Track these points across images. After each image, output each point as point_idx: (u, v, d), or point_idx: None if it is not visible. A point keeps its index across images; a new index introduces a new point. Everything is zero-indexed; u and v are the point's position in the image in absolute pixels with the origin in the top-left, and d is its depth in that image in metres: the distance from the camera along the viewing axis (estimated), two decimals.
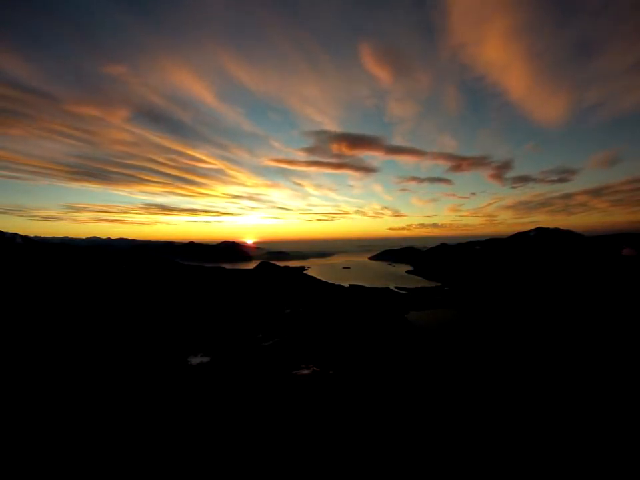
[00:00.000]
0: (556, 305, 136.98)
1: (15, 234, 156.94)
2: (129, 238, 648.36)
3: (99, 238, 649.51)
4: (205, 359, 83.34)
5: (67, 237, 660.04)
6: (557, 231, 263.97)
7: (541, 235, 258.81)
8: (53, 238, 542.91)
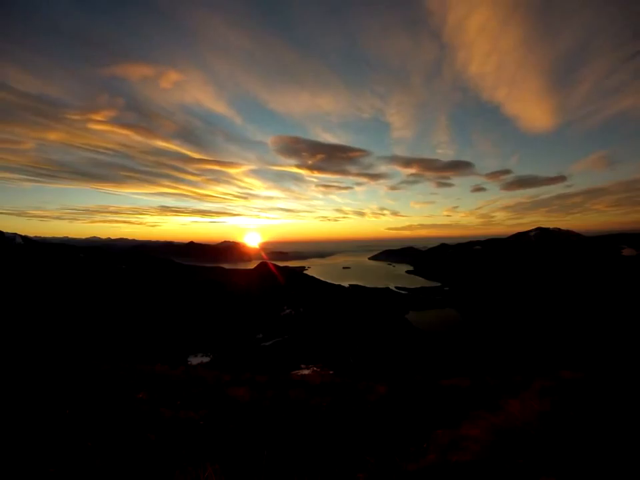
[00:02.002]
0: (557, 304, 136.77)
1: (15, 234, 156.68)
2: (129, 238, 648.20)
3: (99, 238, 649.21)
4: (205, 359, 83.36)
5: (67, 237, 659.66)
6: (557, 230, 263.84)
7: (541, 234, 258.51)
8: (53, 238, 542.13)
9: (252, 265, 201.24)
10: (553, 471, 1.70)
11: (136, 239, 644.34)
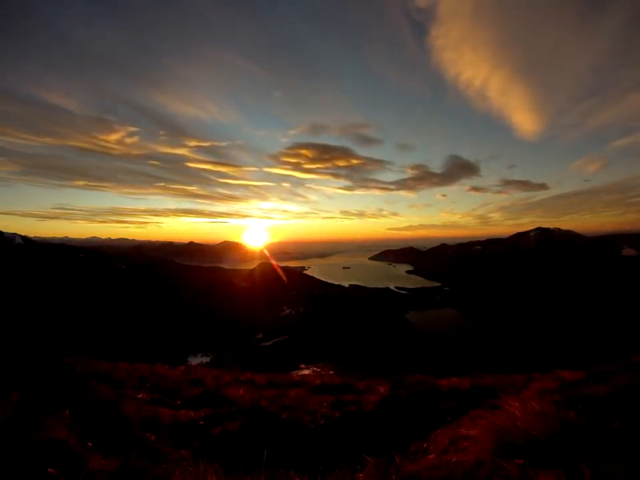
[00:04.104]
0: (558, 303, 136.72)
1: (15, 234, 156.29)
2: (129, 238, 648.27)
3: (98, 238, 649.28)
4: (205, 359, 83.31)
5: (67, 237, 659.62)
6: (557, 230, 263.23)
7: (541, 234, 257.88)
8: (53, 238, 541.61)
9: (252, 265, 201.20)
10: (552, 470, 1.72)
11: (136, 239, 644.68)
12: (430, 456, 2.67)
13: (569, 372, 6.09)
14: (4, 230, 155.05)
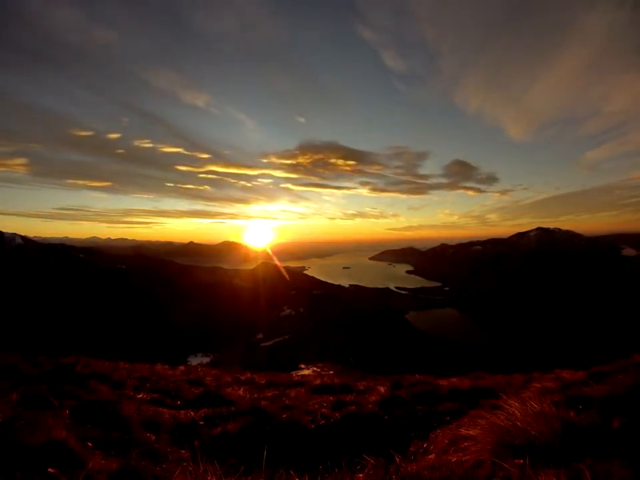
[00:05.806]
0: (558, 303, 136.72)
1: (15, 234, 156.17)
2: (129, 238, 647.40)
3: (98, 238, 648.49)
4: (205, 359, 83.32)
5: (67, 237, 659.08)
6: (557, 230, 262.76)
7: (541, 234, 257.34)
8: (52, 238, 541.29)
9: (253, 266, 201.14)
10: (552, 470, 1.73)
11: (136, 239, 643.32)
12: (430, 456, 2.67)
13: (569, 372, 6.10)
14: (13, 230, 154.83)
